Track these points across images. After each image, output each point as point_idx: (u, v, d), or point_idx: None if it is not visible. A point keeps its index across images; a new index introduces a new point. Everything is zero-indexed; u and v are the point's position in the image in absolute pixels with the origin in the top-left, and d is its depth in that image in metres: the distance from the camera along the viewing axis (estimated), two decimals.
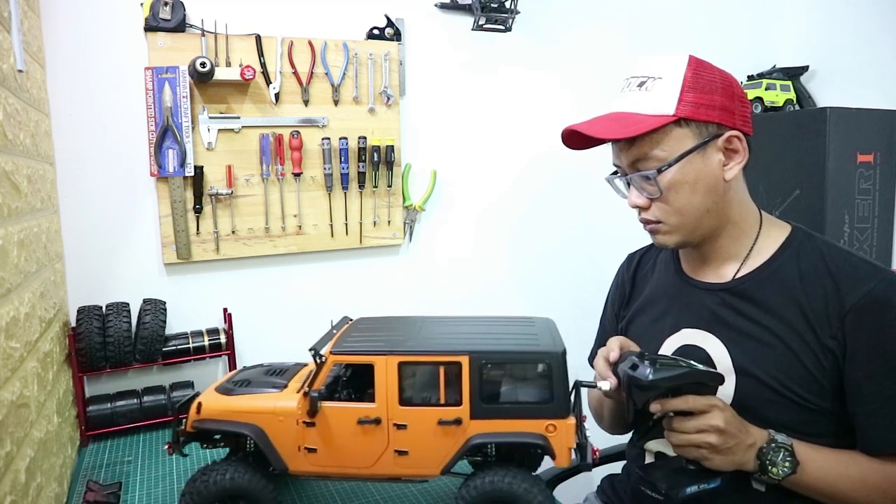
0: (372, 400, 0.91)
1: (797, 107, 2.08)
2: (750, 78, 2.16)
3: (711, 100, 0.95)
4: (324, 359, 0.92)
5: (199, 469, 0.94)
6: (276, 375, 1.04)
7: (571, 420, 0.89)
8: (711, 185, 0.97)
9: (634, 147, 0.97)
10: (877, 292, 0.91)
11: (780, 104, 2.05)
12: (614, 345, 1.05)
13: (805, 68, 2.11)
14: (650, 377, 0.89)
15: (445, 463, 0.90)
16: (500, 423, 0.89)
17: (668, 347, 1.08)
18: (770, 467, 0.90)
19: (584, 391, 0.97)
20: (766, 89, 2.04)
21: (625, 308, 1.24)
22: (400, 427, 0.91)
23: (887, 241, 1.87)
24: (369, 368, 0.91)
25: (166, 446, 0.99)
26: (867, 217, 1.82)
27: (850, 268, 0.95)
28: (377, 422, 0.90)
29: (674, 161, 0.94)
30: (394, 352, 0.91)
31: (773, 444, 0.91)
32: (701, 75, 0.95)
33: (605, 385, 0.96)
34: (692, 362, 0.93)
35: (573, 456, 0.90)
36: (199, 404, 0.98)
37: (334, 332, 1.04)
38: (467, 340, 0.93)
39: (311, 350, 0.92)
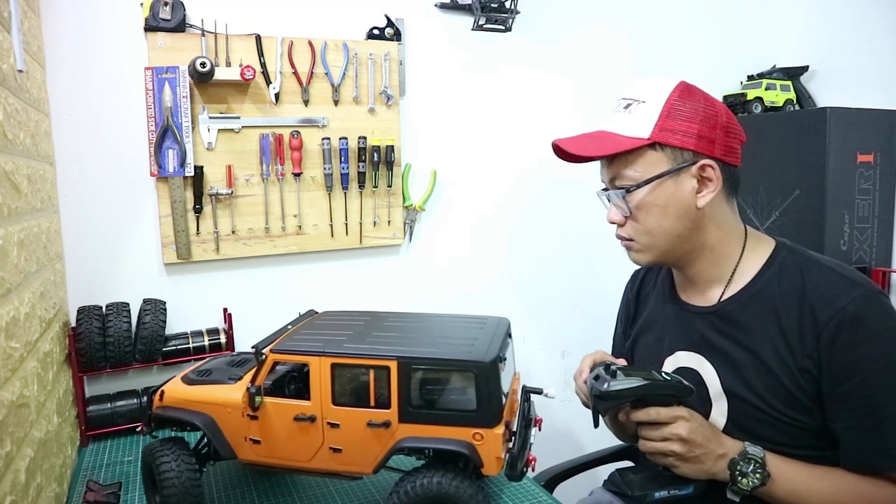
0: (308, 398, 0.94)
1: (797, 107, 2.08)
2: (750, 78, 2.16)
3: (689, 127, 0.96)
4: (264, 357, 0.96)
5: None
6: (238, 367, 1.08)
7: (499, 430, 0.88)
8: (683, 210, 0.99)
9: (613, 165, 1.01)
10: (850, 310, 0.92)
11: (780, 104, 2.05)
12: (586, 364, 1.11)
13: (805, 68, 2.11)
14: (608, 388, 0.94)
15: (376, 463, 0.93)
16: (427, 429, 0.90)
17: (667, 369, 1.12)
18: (740, 478, 0.93)
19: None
20: (766, 89, 2.04)
21: (630, 327, 1.27)
22: (333, 426, 0.93)
23: (887, 241, 1.87)
24: (306, 368, 0.95)
25: (139, 427, 1.04)
26: (867, 217, 1.82)
27: (826, 286, 0.95)
28: (312, 419, 0.94)
29: (643, 182, 0.97)
30: (327, 353, 0.93)
31: (745, 456, 0.93)
32: (684, 102, 0.97)
33: (552, 391, 1.00)
34: (664, 375, 0.97)
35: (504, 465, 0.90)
36: (162, 392, 1.05)
37: (289, 327, 1.08)
38: (403, 344, 0.94)
39: (253, 347, 0.97)
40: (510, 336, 1.04)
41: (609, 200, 1.05)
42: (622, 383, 0.94)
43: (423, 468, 0.91)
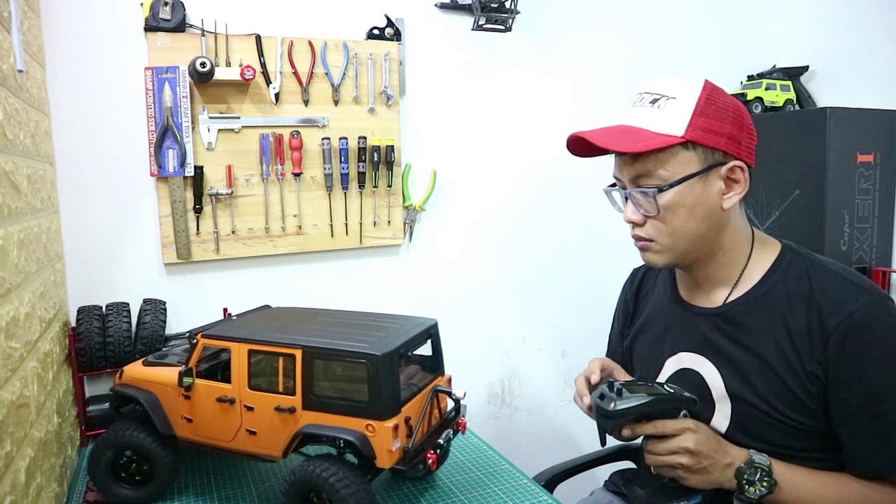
0: (229, 381, 1.00)
1: (797, 107, 2.08)
2: (750, 78, 2.16)
3: (721, 127, 0.95)
4: (195, 341, 1.03)
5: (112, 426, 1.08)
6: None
7: (390, 423, 0.90)
8: (708, 211, 0.97)
9: (638, 163, 0.96)
10: (858, 315, 0.91)
11: (780, 104, 2.05)
12: (595, 367, 1.12)
13: (805, 68, 2.11)
14: (614, 407, 0.94)
15: (284, 447, 0.97)
16: (327, 417, 0.93)
17: (668, 369, 1.11)
18: (747, 487, 0.93)
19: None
20: (766, 89, 2.04)
21: (629, 326, 1.26)
22: (249, 409, 0.99)
23: (887, 241, 1.87)
24: (228, 353, 1.01)
25: (108, 403, 1.17)
26: (867, 217, 1.82)
27: (834, 290, 0.95)
28: (231, 402, 1.00)
29: (675, 182, 0.94)
30: (245, 339, 0.99)
31: (751, 464, 0.93)
32: (714, 101, 0.95)
33: (460, 393, 1.03)
34: (667, 388, 0.97)
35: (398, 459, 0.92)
36: (122, 371, 1.14)
37: (234, 317, 1.16)
38: (316, 336, 0.97)
39: (187, 332, 1.06)
40: (431, 337, 1.06)
41: (627, 199, 1.01)
42: (628, 401, 0.93)
43: (315, 457, 0.94)
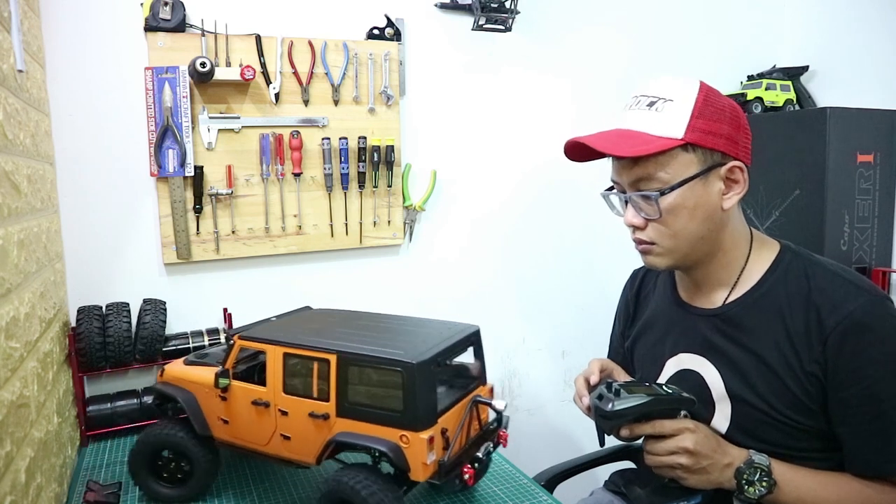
0: (265, 384, 0.99)
1: (797, 107, 2.08)
2: (750, 78, 2.16)
3: (719, 128, 0.95)
4: (232, 342, 1.02)
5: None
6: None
7: (425, 435, 0.86)
8: (709, 212, 0.97)
9: (638, 167, 0.96)
10: (857, 315, 0.91)
11: (780, 104, 2.05)
12: (595, 367, 1.12)
13: (805, 68, 2.11)
14: (612, 408, 0.94)
15: (317, 454, 0.94)
16: (361, 426, 0.90)
17: (668, 370, 1.11)
18: (747, 487, 0.93)
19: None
20: (766, 89, 2.04)
21: (630, 327, 1.26)
22: (283, 413, 0.97)
23: (887, 241, 1.87)
24: (264, 355, 0.99)
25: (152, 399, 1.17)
26: (867, 217, 1.82)
27: (832, 290, 0.95)
28: (266, 405, 0.98)
29: (677, 185, 0.94)
30: (281, 342, 0.97)
31: (751, 464, 0.93)
32: (711, 102, 0.95)
33: (500, 404, 0.98)
34: (665, 389, 0.97)
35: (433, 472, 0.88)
36: (163, 370, 1.13)
37: (273, 318, 1.14)
38: (352, 340, 0.95)
39: (225, 332, 1.02)
40: (473, 344, 1.01)
41: (627, 203, 1.01)
42: (625, 402, 0.93)
43: (349, 466, 0.92)
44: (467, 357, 1.02)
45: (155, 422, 1.10)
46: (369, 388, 0.90)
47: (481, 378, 1.03)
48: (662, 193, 0.95)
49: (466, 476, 0.92)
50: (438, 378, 0.91)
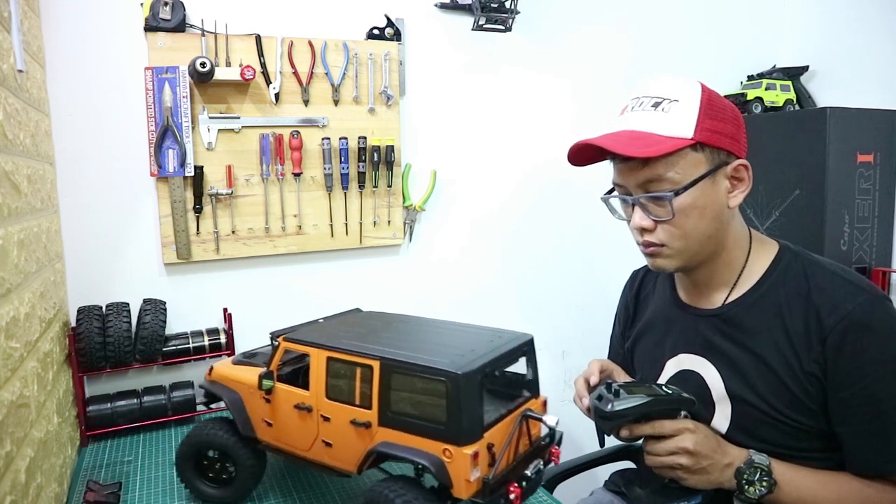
0: (308, 388, 0.96)
1: (797, 107, 2.08)
2: (750, 78, 2.16)
3: (724, 127, 0.95)
4: (277, 344, 1.00)
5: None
6: None
7: (469, 450, 0.81)
8: (717, 211, 0.98)
9: (648, 168, 0.95)
10: (856, 315, 0.91)
11: (780, 104, 2.05)
12: (595, 368, 1.12)
13: (805, 68, 2.11)
14: (612, 408, 0.93)
15: (358, 463, 0.91)
16: (404, 436, 0.86)
17: (668, 371, 1.11)
18: (747, 486, 0.93)
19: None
20: (766, 89, 2.04)
21: (630, 328, 1.26)
22: (326, 419, 0.94)
23: (887, 241, 1.87)
24: (307, 358, 0.97)
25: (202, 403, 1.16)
26: (867, 217, 1.82)
27: (832, 290, 0.95)
28: (309, 409, 0.95)
29: (689, 184, 0.94)
30: (324, 346, 0.94)
31: (751, 464, 0.93)
32: (714, 102, 0.96)
33: (552, 419, 0.92)
34: (665, 389, 0.97)
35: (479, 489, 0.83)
36: (212, 368, 1.12)
37: (321, 320, 1.11)
38: (396, 346, 0.91)
39: (270, 334, 1.02)
40: (526, 354, 0.95)
41: (633, 206, 1.00)
42: (625, 402, 0.93)
43: (391, 478, 0.88)
44: (519, 367, 0.95)
45: (198, 418, 1.11)
46: (413, 398, 0.86)
47: (533, 390, 0.97)
48: (677, 194, 0.94)
49: (513, 496, 0.85)
50: (486, 389, 0.85)
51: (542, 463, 0.93)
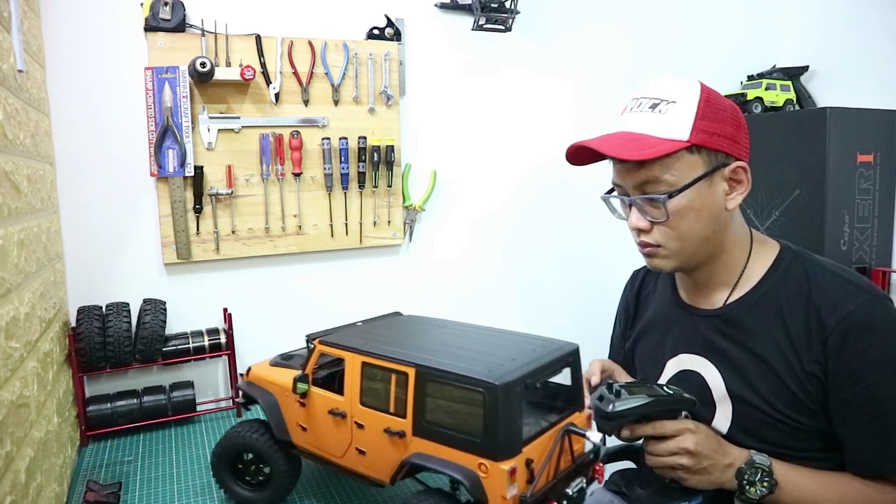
0: (342, 393, 0.93)
1: (797, 107, 2.08)
2: (750, 78, 2.16)
3: (722, 129, 0.95)
4: (312, 346, 0.97)
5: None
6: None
7: (506, 465, 0.76)
8: (714, 213, 0.97)
9: (644, 169, 0.95)
10: (857, 315, 0.91)
11: (780, 104, 2.05)
12: (596, 368, 1.12)
13: (805, 68, 2.11)
14: (613, 409, 0.91)
15: (392, 473, 0.87)
16: (439, 448, 0.82)
17: (669, 371, 1.11)
18: (748, 487, 0.92)
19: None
20: (766, 89, 2.04)
21: (630, 328, 1.25)
22: (359, 426, 0.91)
23: (887, 241, 1.87)
24: (342, 363, 0.94)
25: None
26: (867, 217, 1.82)
27: (832, 290, 0.95)
28: (343, 416, 0.93)
29: (684, 187, 0.94)
30: (360, 350, 0.91)
31: (752, 465, 0.93)
32: (713, 103, 0.95)
33: (595, 436, 0.86)
34: (666, 389, 0.96)
35: None
36: (249, 369, 1.10)
37: (359, 323, 1.08)
38: (433, 353, 0.87)
39: (306, 336, 0.99)
40: (570, 365, 0.90)
41: (631, 206, 1.00)
42: (626, 402, 0.92)
43: (425, 490, 0.86)
44: (562, 378, 0.91)
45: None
46: (449, 408, 0.82)
47: (577, 404, 0.91)
48: (670, 196, 0.94)
49: None
50: (526, 401, 0.81)
51: (584, 481, 0.88)
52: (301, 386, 0.96)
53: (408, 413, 0.85)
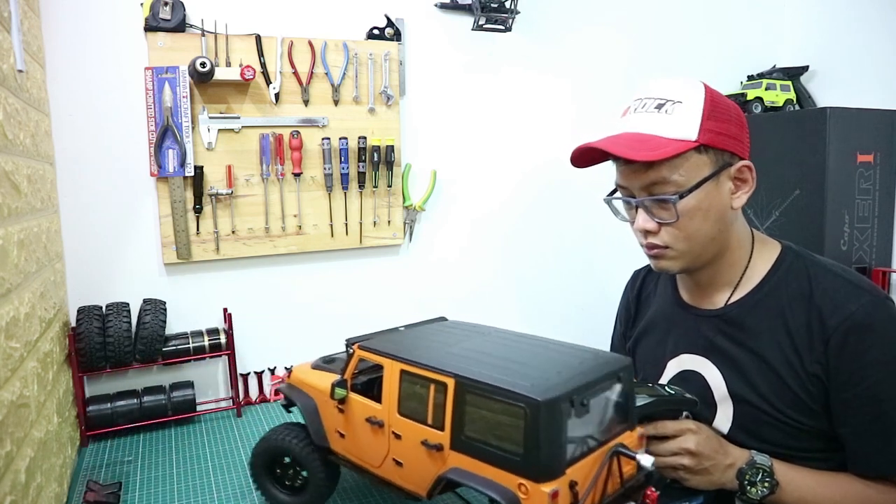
0: (381, 401, 0.90)
1: (797, 107, 2.08)
2: (750, 78, 2.16)
3: (728, 129, 0.95)
4: (352, 351, 0.94)
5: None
6: None
7: (547, 487, 0.71)
8: (721, 212, 0.97)
9: (652, 170, 0.94)
10: (858, 316, 0.91)
11: (780, 104, 2.05)
12: None
13: (805, 68, 2.11)
14: None
15: (428, 487, 0.84)
16: (477, 464, 0.77)
17: (670, 371, 1.11)
18: (749, 487, 0.93)
19: None
20: (766, 89, 2.04)
21: (631, 328, 1.25)
22: (397, 436, 0.87)
23: (887, 241, 1.87)
24: (381, 369, 0.90)
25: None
26: (867, 217, 1.82)
27: (834, 291, 0.95)
28: (380, 424, 0.89)
29: (693, 187, 0.94)
30: (399, 357, 0.87)
31: (753, 465, 0.93)
32: (717, 103, 0.95)
33: (648, 460, 0.80)
34: (668, 389, 0.96)
35: None
36: (290, 371, 1.09)
37: (401, 328, 1.04)
38: (475, 363, 0.83)
39: (346, 341, 0.97)
40: (620, 380, 0.84)
41: (637, 208, 0.99)
42: None
43: None
44: (612, 394, 0.84)
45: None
46: (489, 422, 0.77)
47: (628, 422, 0.85)
48: (681, 196, 0.94)
49: None
50: (571, 418, 0.75)
51: None
52: (339, 392, 0.93)
53: (446, 425, 0.81)
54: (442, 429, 0.81)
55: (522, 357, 0.86)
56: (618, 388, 0.83)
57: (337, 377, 0.96)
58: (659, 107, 0.96)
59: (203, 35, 1.50)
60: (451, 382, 0.80)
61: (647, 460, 0.79)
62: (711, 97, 0.95)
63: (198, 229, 1.55)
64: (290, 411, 1.11)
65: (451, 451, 0.80)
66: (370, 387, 0.96)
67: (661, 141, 0.94)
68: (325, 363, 1.07)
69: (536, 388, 0.73)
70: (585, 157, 1.01)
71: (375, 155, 1.68)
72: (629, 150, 0.94)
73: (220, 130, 1.54)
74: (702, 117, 0.93)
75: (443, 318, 1.13)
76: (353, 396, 0.94)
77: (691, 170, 0.94)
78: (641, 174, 0.96)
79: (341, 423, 0.96)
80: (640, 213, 0.99)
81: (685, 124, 0.93)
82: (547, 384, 0.74)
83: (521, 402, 0.72)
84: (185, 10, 1.48)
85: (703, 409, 1.01)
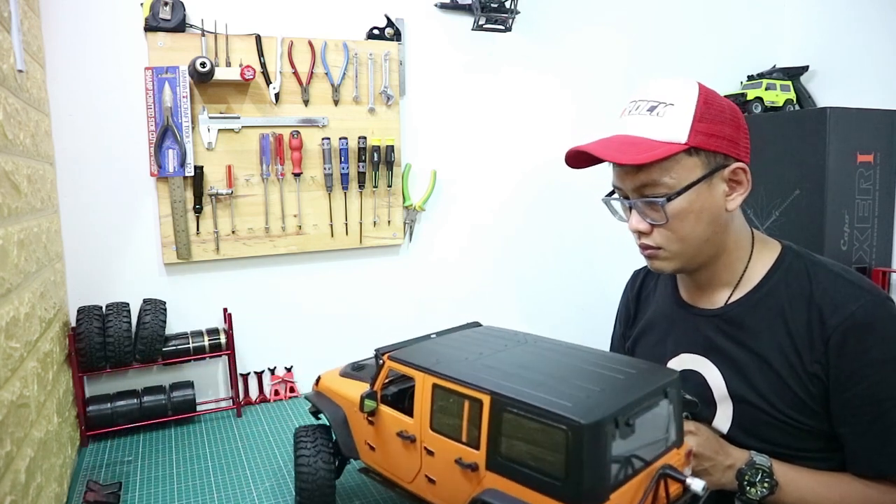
0: (412, 414, 0.86)
1: (797, 107, 2.08)
2: (750, 78, 2.16)
3: (721, 130, 0.94)
4: (382, 362, 0.91)
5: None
6: None
7: None
8: (714, 215, 0.97)
9: (643, 173, 0.95)
10: (859, 315, 0.91)
11: (780, 104, 2.05)
12: None
13: (805, 68, 2.11)
14: None
15: None
16: (514, 486, 0.73)
17: None
18: (749, 488, 0.92)
19: None
20: (766, 89, 2.04)
21: (631, 328, 1.25)
22: (429, 452, 0.83)
23: (887, 241, 1.87)
24: (412, 379, 0.87)
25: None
26: (867, 217, 1.82)
27: (834, 291, 0.95)
28: (412, 440, 0.86)
29: (682, 189, 0.94)
30: (431, 371, 0.83)
31: (752, 466, 0.93)
32: (711, 105, 0.95)
33: (697, 484, 0.75)
34: None
35: None
36: (319, 378, 1.05)
37: (433, 335, 1.01)
38: (514, 379, 0.79)
39: (375, 350, 0.94)
40: (668, 396, 0.79)
41: (631, 208, 1.00)
42: None
43: None
44: (660, 411, 0.79)
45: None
46: (527, 443, 0.73)
47: (675, 441, 0.80)
48: (669, 199, 0.94)
49: None
50: (617, 440, 0.70)
51: None
52: (369, 404, 0.89)
53: (481, 445, 0.76)
54: (477, 448, 0.77)
55: (563, 371, 0.82)
56: (664, 404, 0.78)
57: (366, 387, 0.93)
58: (651, 109, 0.96)
59: (203, 35, 1.50)
60: (486, 399, 0.76)
61: (697, 485, 0.75)
62: (705, 99, 0.95)
63: (198, 229, 1.55)
64: (318, 418, 1.08)
65: (486, 472, 0.76)
66: (401, 397, 0.93)
67: (650, 144, 0.94)
68: (355, 370, 1.04)
69: (579, 408, 0.69)
70: (579, 158, 1.01)
71: (375, 155, 1.68)
72: (618, 154, 0.94)
73: (220, 130, 1.54)
74: (693, 119, 0.93)
75: (476, 324, 1.09)
76: (384, 409, 0.90)
77: (682, 172, 0.94)
78: (633, 176, 0.96)
79: (371, 435, 0.93)
80: (634, 213, 1.00)
81: (675, 127, 0.93)
82: (589, 403, 0.70)
83: (562, 423, 0.68)
84: (185, 10, 1.48)
85: (703, 409, 1.01)
